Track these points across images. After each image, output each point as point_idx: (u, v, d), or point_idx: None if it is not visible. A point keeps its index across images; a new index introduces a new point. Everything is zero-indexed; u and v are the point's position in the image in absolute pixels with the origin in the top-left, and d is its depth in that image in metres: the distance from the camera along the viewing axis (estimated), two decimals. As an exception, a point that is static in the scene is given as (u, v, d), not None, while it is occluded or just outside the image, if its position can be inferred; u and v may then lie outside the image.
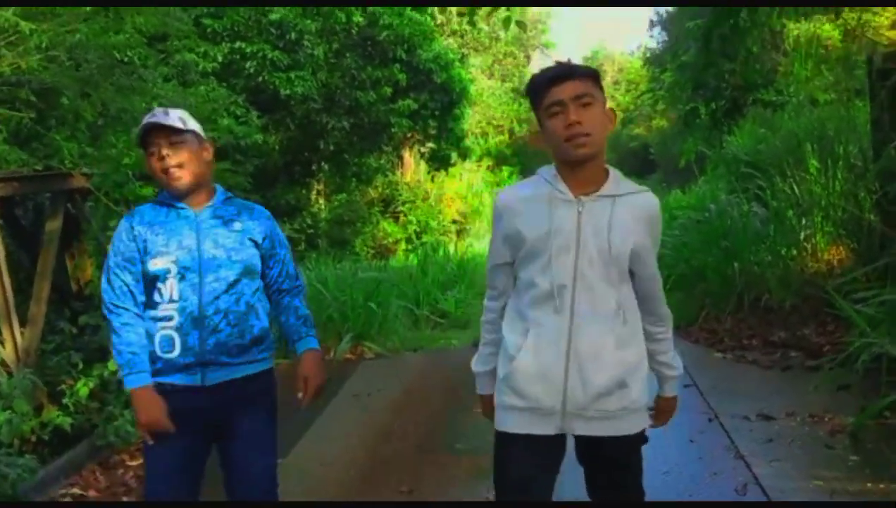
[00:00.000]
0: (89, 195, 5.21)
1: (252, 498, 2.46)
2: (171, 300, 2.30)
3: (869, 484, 3.18)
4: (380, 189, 16.84)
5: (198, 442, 2.40)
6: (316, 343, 2.51)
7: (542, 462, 1.99)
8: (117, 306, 2.30)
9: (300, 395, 2.41)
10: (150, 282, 2.31)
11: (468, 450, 4.17)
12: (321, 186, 13.65)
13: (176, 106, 2.58)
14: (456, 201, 19.83)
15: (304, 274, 8.25)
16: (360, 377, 6.18)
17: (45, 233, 5.03)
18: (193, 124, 2.35)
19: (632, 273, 1.96)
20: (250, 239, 2.39)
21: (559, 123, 1.83)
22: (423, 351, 7.04)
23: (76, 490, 4.18)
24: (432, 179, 18.74)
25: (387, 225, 16.14)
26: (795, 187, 6.09)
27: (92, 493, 4.15)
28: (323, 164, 12.75)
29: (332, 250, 11.06)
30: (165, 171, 2.26)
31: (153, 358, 2.32)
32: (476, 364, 2.19)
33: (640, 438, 2.04)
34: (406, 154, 17.69)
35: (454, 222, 19.05)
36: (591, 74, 1.89)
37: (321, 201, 13.72)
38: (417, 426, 4.72)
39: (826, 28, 12.97)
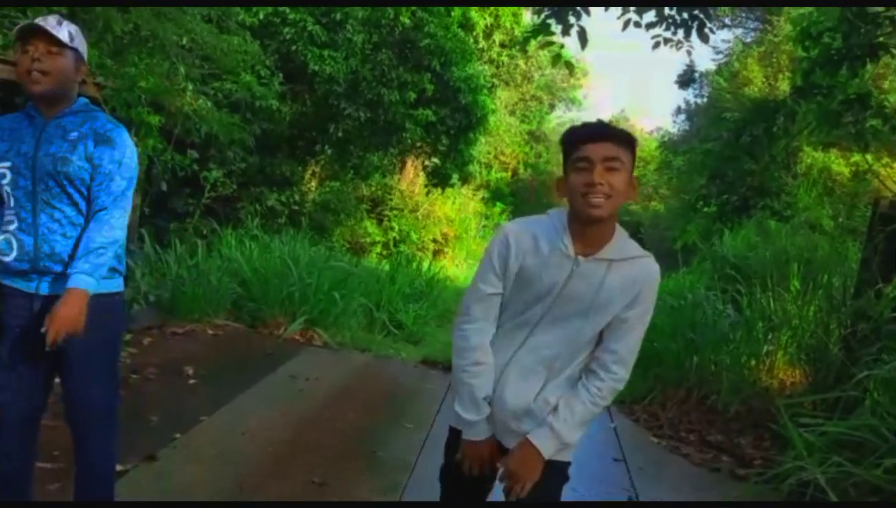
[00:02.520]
0: (97, 106, 5.16)
1: (90, 429, 2.45)
2: (11, 206, 2.35)
3: None
4: (373, 188, 16.82)
5: (39, 367, 2.39)
6: (86, 284, 2.26)
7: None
8: None
9: (42, 330, 2.20)
10: None
11: (388, 459, 4.14)
12: (318, 169, 13.58)
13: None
14: (443, 221, 19.84)
15: (277, 247, 8.20)
16: (302, 360, 6.12)
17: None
18: (79, 43, 2.38)
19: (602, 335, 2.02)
20: (89, 156, 2.34)
21: (581, 180, 1.86)
22: (370, 354, 7.00)
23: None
24: (427, 194, 18.76)
25: (369, 225, 16.09)
26: (772, 302, 6.18)
27: None
28: (327, 147, 12.71)
29: (310, 232, 10.98)
30: (29, 72, 2.28)
31: None
32: (468, 411, 2.06)
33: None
34: (409, 162, 17.71)
35: (434, 241, 19.04)
36: (626, 140, 1.90)
37: (314, 182, 13.65)
38: (345, 423, 4.68)
39: (839, 163, 13.30)
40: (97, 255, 2.29)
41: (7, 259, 2.34)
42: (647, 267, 1.97)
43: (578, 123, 2.09)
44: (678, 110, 25.88)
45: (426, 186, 17.83)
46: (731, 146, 6.05)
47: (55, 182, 2.33)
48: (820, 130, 5.31)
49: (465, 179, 16.31)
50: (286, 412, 4.70)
